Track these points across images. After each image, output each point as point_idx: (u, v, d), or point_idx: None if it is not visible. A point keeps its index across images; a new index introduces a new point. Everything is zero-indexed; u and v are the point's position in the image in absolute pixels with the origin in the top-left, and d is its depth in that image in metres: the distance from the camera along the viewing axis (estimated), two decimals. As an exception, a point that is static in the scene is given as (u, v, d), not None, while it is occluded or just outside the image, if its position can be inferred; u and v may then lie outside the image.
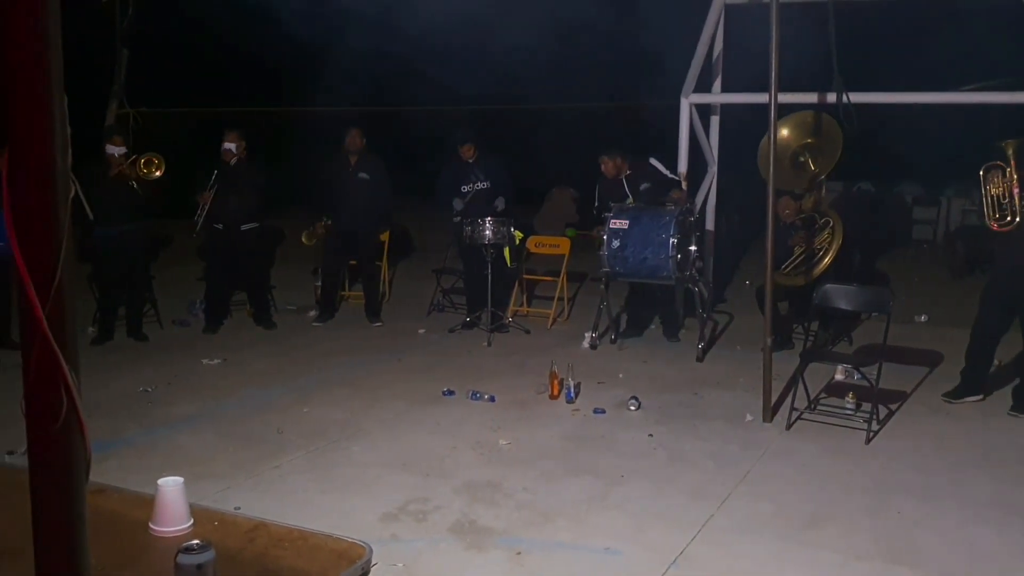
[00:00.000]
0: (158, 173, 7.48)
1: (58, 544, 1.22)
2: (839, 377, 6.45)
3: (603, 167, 7.75)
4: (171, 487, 2.06)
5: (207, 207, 7.78)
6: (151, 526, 2.06)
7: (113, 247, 7.44)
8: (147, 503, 2.12)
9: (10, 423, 5.29)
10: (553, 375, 6.13)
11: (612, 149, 7.73)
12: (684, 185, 7.92)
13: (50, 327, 1.14)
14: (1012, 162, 5.59)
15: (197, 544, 1.71)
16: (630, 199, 7.53)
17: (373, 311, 8.53)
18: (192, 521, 2.08)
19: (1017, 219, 5.57)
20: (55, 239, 1.14)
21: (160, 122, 12.71)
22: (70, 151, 1.16)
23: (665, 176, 7.66)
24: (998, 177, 5.62)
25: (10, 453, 4.79)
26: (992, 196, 5.63)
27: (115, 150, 7.38)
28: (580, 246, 10.40)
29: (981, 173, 5.71)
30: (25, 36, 1.09)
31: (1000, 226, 5.62)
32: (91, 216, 7.14)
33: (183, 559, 1.68)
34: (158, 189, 7.55)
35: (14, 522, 1.90)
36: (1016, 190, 5.53)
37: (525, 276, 8.86)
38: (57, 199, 1.14)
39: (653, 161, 7.76)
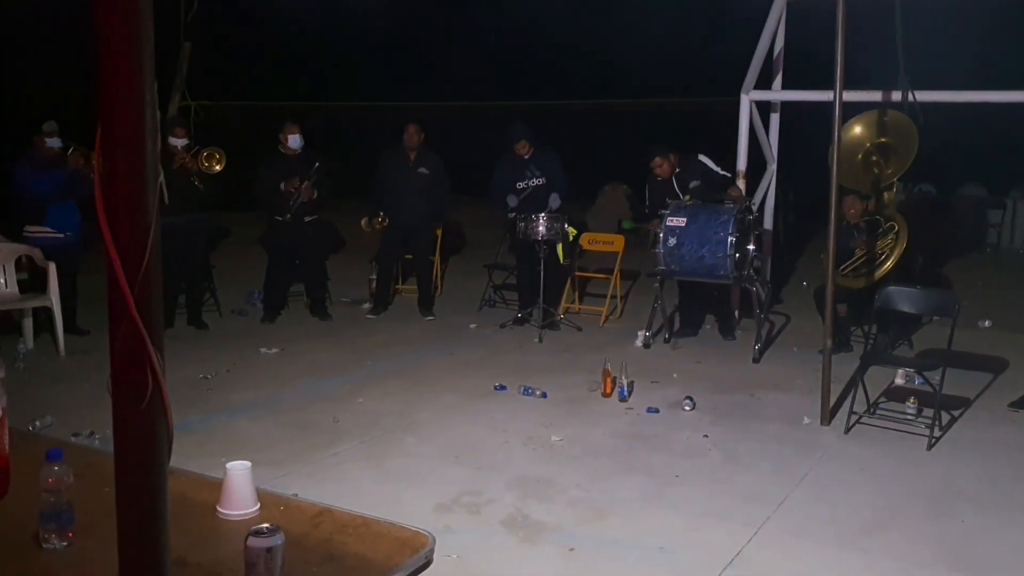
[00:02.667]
0: (219, 167, 7.60)
1: (140, 524, 1.24)
2: (900, 381, 6.32)
3: (657, 169, 7.59)
4: (239, 471, 2.09)
5: (300, 197, 7.84)
6: (219, 509, 2.09)
7: (175, 236, 7.56)
8: (215, 486, 2.15)
9: (80, 405, 5.44)
10: (606, 373, 6.10)
11: (664, 149, 7.60)
12: (741, 183, 7.81)
13: (138, 310, 1.16)
14: None
15: (267, 528, 1.73)
16: (685, 197, 7.43)
17: (426, 305, 8.58)
18: (259, 505, 2.11)
19: None
20: (144, 222, 1.16)
21: (221, 115, 12.92)
22: (159, 137, 1.18)
23: (715, 173, 7.52)
24: None
25: (75, 435, 4.92)
26: None
27: (178, 142, 7.51)
28: (634, 243, 10.34)
29: None
30: (120, 18, 1.11)
31: None
32: (167, 201, 7.23)
33: (253, 542, 1.70)
34: (219, 182, 7.67)
35: (88, 500, 1.96)
36: None
37: (578, 273, 8.83)
38: (147, 181, 1.16)
39: (702, 158, 7.66)
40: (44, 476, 1.90)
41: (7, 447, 2.11)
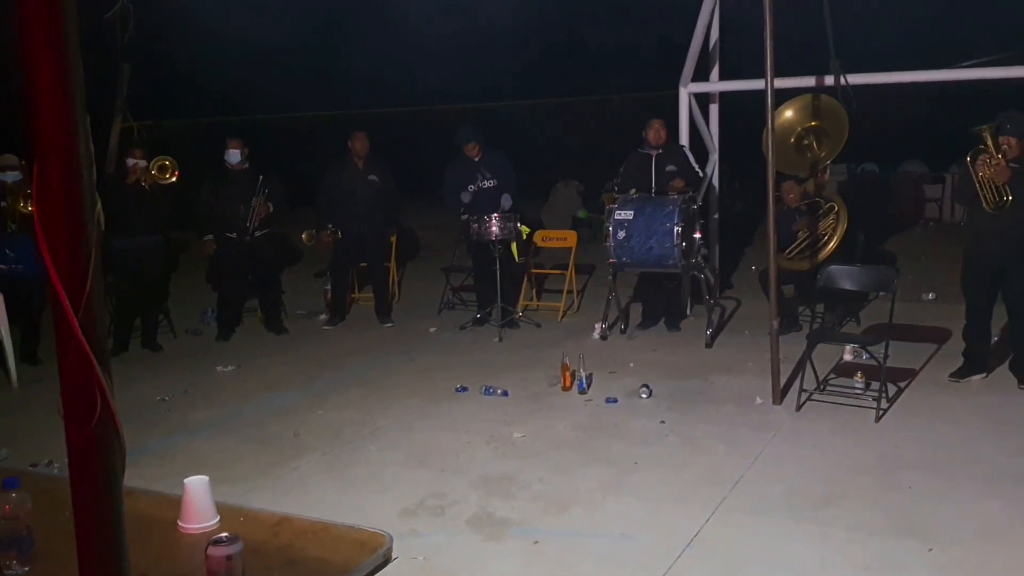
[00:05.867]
0: (172, 178, 7.57)
1: (98, 537, 1.29)
2: (847, 357, 6.50)
3: (650, 132, 7.64)
4: (197, 485, 2.14)
5: (256, 214, 7.83)
6: (180, 524, 2.13)
7: (131, 261, 7.50)
8: (174, 503, 2.20)
9: (35, 435, 5.39)
10: (565, 367, 6.20)
11: (664, 120, 7.72)
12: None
13: (83, 332, 1.21)
14: (990, 146, 5.63)
15: (226, 537, 1.78)
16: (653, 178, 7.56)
17: (384, 312, 8.61)
18: (219, 517, 2.16)
19: (1008, 198, 5.60)
20: (84, 248, 1.21)
21: (165, 134, 12.81)
22: (94, 165, 1.23)
23: (691, 167, 7.65)
24: (984, 161, 5.64)
25: (33, 465, 4.89)
26: (983, 180, 5.66)
27: (136, 163, 7.48)
28: (589, 237, 10.45)
29: (968, 159, 5.75)
30: (46, 51, 1.16)
31: (997, 207, 5.64)
32: (103, 227, 7.18)
33: (213, 551, 1.76)
34: (176, 199, 7.64)
35: (48, 525, 1.99)
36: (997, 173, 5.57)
37: (533, 270, 8.92)
38: (84, 210, 1.22)
39: (685, 148, 7.82)
40: (1, 504, 1.93)
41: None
